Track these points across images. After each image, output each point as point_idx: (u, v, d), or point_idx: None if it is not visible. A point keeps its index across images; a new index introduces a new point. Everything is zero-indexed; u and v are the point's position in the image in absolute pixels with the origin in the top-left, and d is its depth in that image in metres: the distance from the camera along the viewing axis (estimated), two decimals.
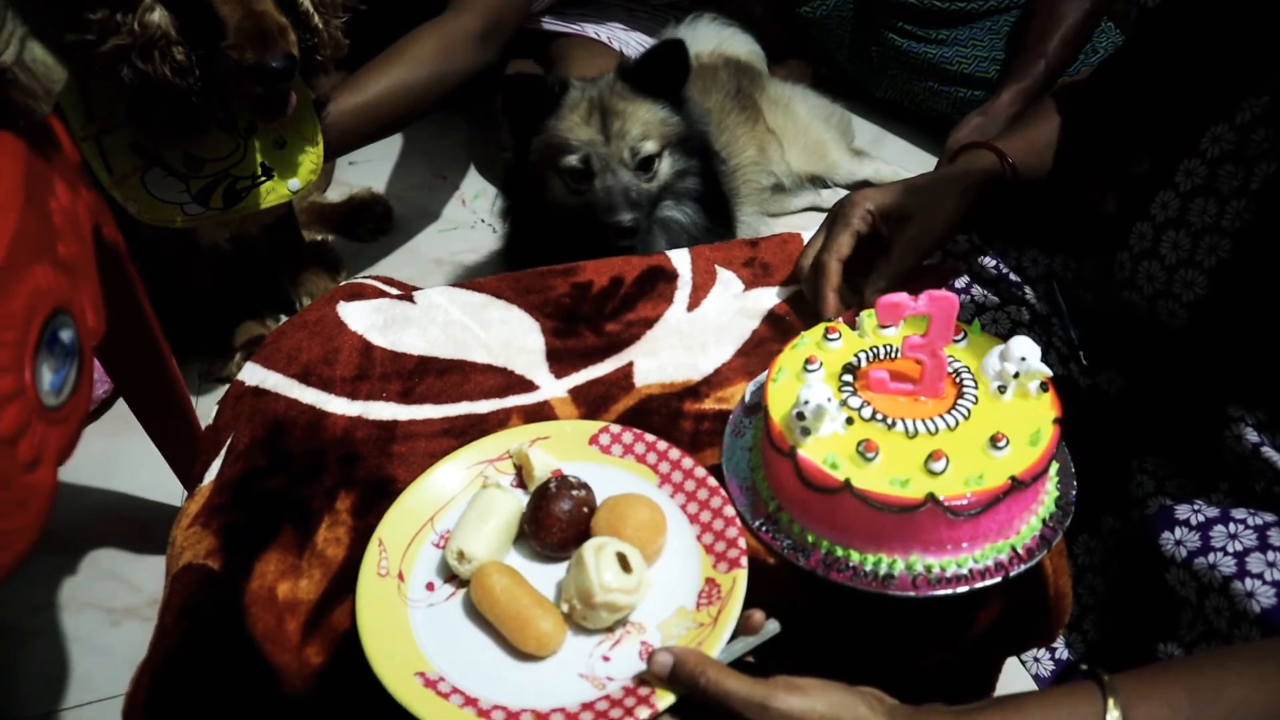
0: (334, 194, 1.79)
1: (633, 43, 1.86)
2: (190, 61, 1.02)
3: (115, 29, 0.97)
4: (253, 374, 0.89)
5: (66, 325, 0.57)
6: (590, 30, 1.86)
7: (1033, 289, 1.00)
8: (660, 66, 1.19)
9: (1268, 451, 0.76)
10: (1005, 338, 0.70)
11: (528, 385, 0.84)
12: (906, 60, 1.86)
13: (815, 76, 1.95)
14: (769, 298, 0.90)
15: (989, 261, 1.00)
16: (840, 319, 0.76)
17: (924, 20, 1.82)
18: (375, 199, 1.75)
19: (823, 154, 1.68)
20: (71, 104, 1.10)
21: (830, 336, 0.73)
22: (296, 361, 0.89)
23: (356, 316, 0.93)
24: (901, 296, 0.67)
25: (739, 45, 1.60)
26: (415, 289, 0.98)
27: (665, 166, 1.22)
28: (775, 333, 0.86)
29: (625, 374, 0.84)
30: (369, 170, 1.85)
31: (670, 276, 0.93)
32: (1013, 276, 1.01)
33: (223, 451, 0.82)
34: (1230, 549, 0.75)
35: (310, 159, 1.21)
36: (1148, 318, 0.84)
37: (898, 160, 1.80)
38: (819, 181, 1.71)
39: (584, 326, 0.89)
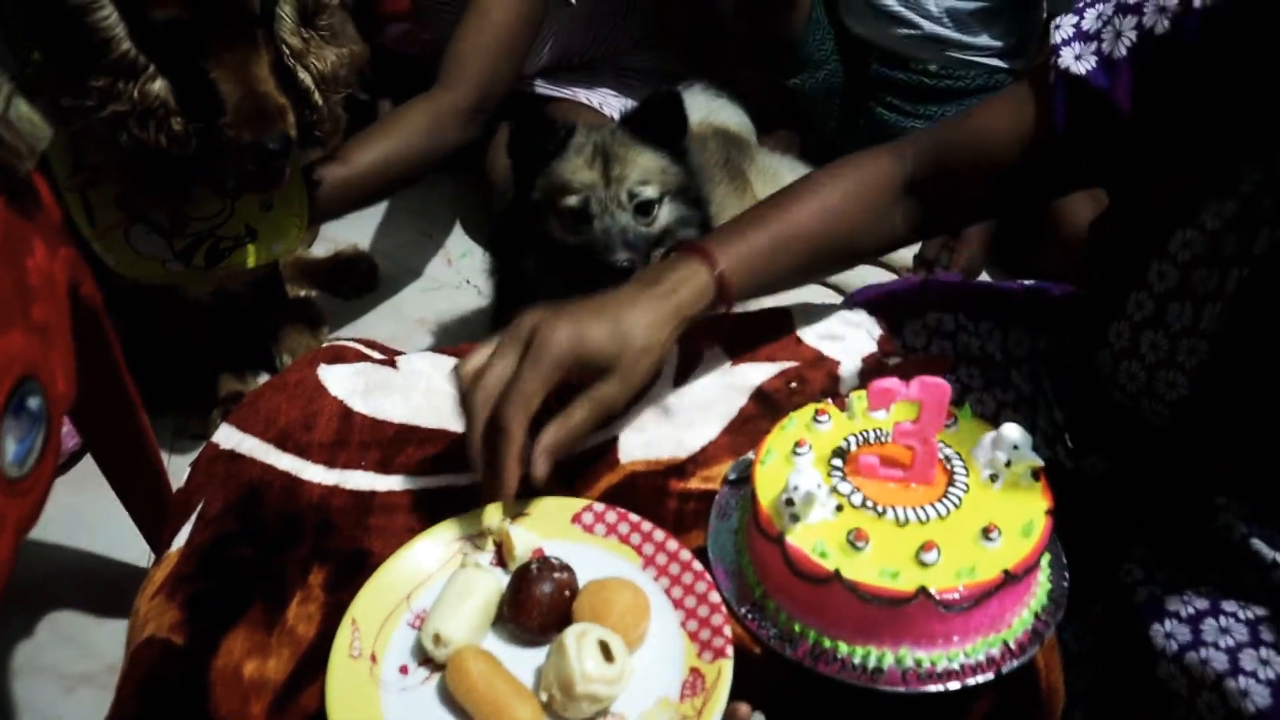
0: (319, 249, 1.78)
1: (620, 109, 1.87)
2: (187, 132, 1.02)
3: (115, 96, 0.97)
4: (228, 437, 0.87)
5: (34, 392, 0.55)
6: (582, 95, 1.88)
7: (1018, 369, 1.00)
8: (659, 117, 1.23)
9: (1257, 543, 0.75)
10: (992, 419, 0.69)
11: None
12: (894, 134, 1.87)
13: (804, 147, 1.97)
14: (756, 374, 0.89)
15: (974, 342, 1.00)
16: (831, 401, 0.75)
17: (912, 95, 1.85)
18: (360, 256, 1.75)
19: None
20: (59, 155, 1.09)
21: (819, 419, 0.72)
22: (274, 425, 0.87)
23: (337, 380, 0.92)
24: (893, 382, 0.67)
25: (729, 115, 1.62)
26: (399, 353, 0.97)
27: (666, 213, 1.25)
28: (763, 410, 0.85)
29: (610, 449, 0.82)
30: (355, 226, 1.85)
31: None
32: (998, 356, 1.00)
33: (193, 517, 0.79)
34: (1222, 644, 0.73)
35: (296, 224, 1.21)
36: (1132, 412, 0.83)
37: None
38: None
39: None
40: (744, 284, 0.83)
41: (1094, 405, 0.91)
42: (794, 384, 0.87)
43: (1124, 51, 0.76)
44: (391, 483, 0.81)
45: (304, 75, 1.08)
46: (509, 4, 1.55)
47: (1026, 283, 1.10)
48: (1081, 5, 0.81)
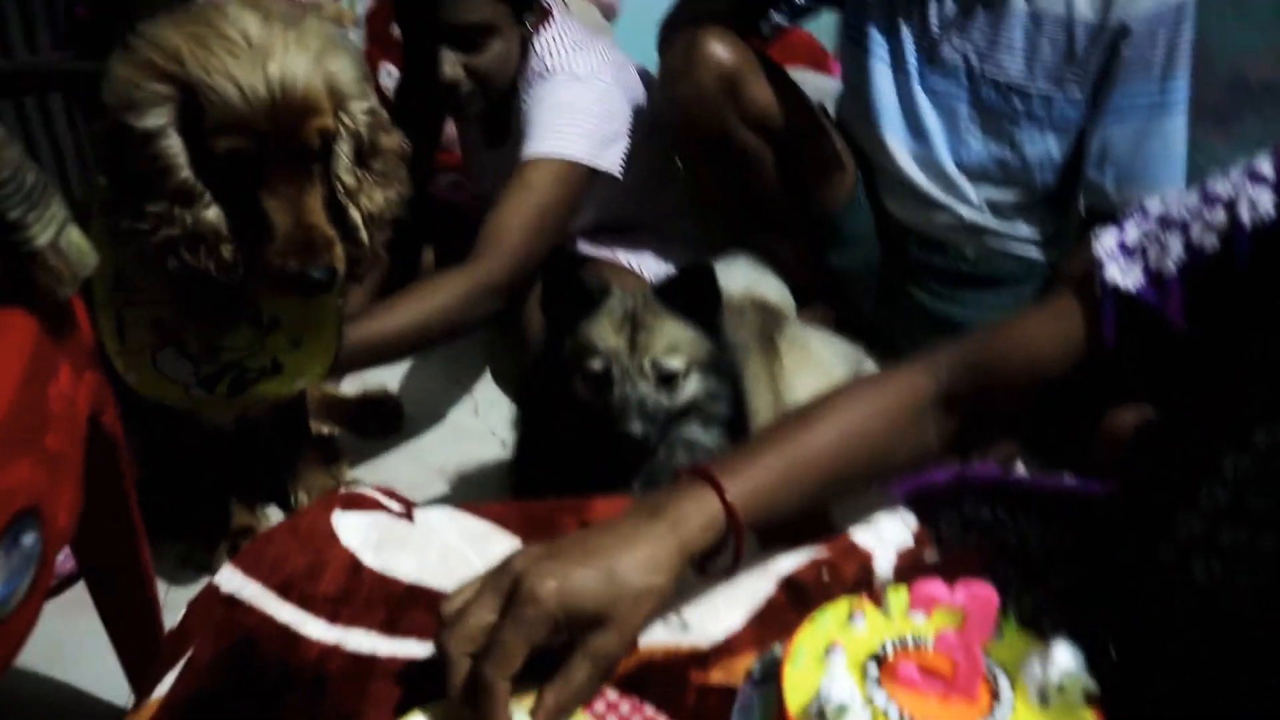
0: (348, 387, 1.77)
1: (661, 273, 1.89)
2: (236, 260, 1.03)
3: (170, 221, 0.99)
4: (230, 580, 0.83)
5: (31, 527, 0.53)
6: (622, 257, 1.90)
7: (1058, 569, 0.95)
8: (691, 288, 1.22)
9: None
10: (1033, 623, 0.64)
11: None
12: (930, 317, 1.88)
13: (838, 324, 1.97)
14: (788, 561, 0.84)
15: (1013, 537, 0.96)
16: (867, 597, 0.70)
17: (949, 280, 1.86)
18: (387, 398, 1.74)
19: None
20: (101, 271, 1.10)
21: (854, 617, 0.68)
22: (279, 571, 0.83)
23: (351, 530, 0.88)
24: (938, 587, 0.62)
25: (770, 288, 1.63)
26: (415, 505, 0.94)
27: (693, 386, 1.22)
28: (792, 600, 0.80)
29: None
30: (385, 366, 1.85)
31: None
32: (1038, 554, 0.96)
33: (180, 664, 0.75)
34: None
35: (320, 364, 1.21)
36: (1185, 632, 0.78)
37: None
38: None
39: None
40: (756, 513, 0.77)
41: (1149, 611, 0.86)
42: (826, 574, 0.83)
43: (1173, 268, 0.74)
44: (395, 647, 0.76)
45: (354, 213, 1.09)
46: (554, 181, 1.60)
47: (1068, 477, 1.07)
48: (1123, 219, 0.80)
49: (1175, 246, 0.74)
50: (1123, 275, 0.77)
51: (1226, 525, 0.73)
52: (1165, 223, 0.76)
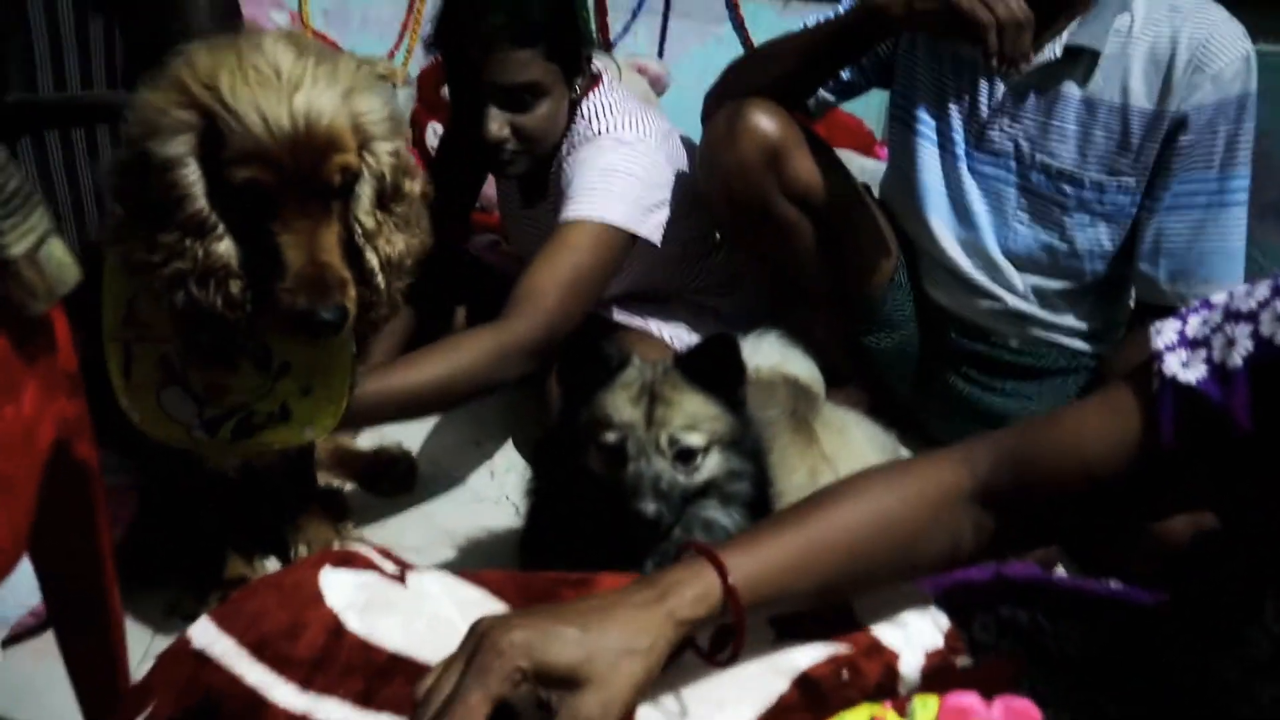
0: (364, 440, 1.73)
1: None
2: (244, 298, 1.00)
3: (181, 253, 0.97)
4: (203, 634, 0.78)
5: None
6: (654, 327, 1.86)
7: (1101, 684, 0.87)
8: (714, 361, 1.16)
9: None
10: None
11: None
12: (970, 406, 1.81)
13: (873, 406, 1.91)
14: (804, 655, 0.77)
15: (1052, 645, 0.88)
16: (889, 706, 0.63)
17: (990, 369, 1.79)
18: (402, 456, 1.69)
19: None
20: (113, 303, 1.07)
21: None
22: (256, 629, 0.78)
23: (337, 589, 0.82)
24: (972, 700, 0.56)
25: (800, 366, 1.56)
26: (411, 567, 0.88)
27: (713, 464, 1.15)
28: (806, 700, 0.73)
29: None
30: (404, 423, 1.80)
31: None
32: (1079, 665, 0.88)
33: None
34: None
35: (331, 414, 1.16)
36: None
37: None
38: None
39: None
40: (762, 592, 0.73)
41: None
42: (845, 673, 0.75)
43: (1239, 361, 0.68)
44: None
45: (371, 256, 1.06)
46: (592, 244, 1.56)
47: (1113, 583, 0.99)
48: (1184, 311, 0.74)
49: (1243, 339, 0.69)
50: (1184, 368, 0.71)
51: None
52: (1231, 315, 0.71)
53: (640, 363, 1.19)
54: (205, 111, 0.94)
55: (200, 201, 0.95)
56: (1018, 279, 1.70)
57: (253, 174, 0.94)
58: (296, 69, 0.95)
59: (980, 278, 1.72)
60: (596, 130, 1.67)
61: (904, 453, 1.76)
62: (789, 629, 0.80)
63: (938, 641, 0.80)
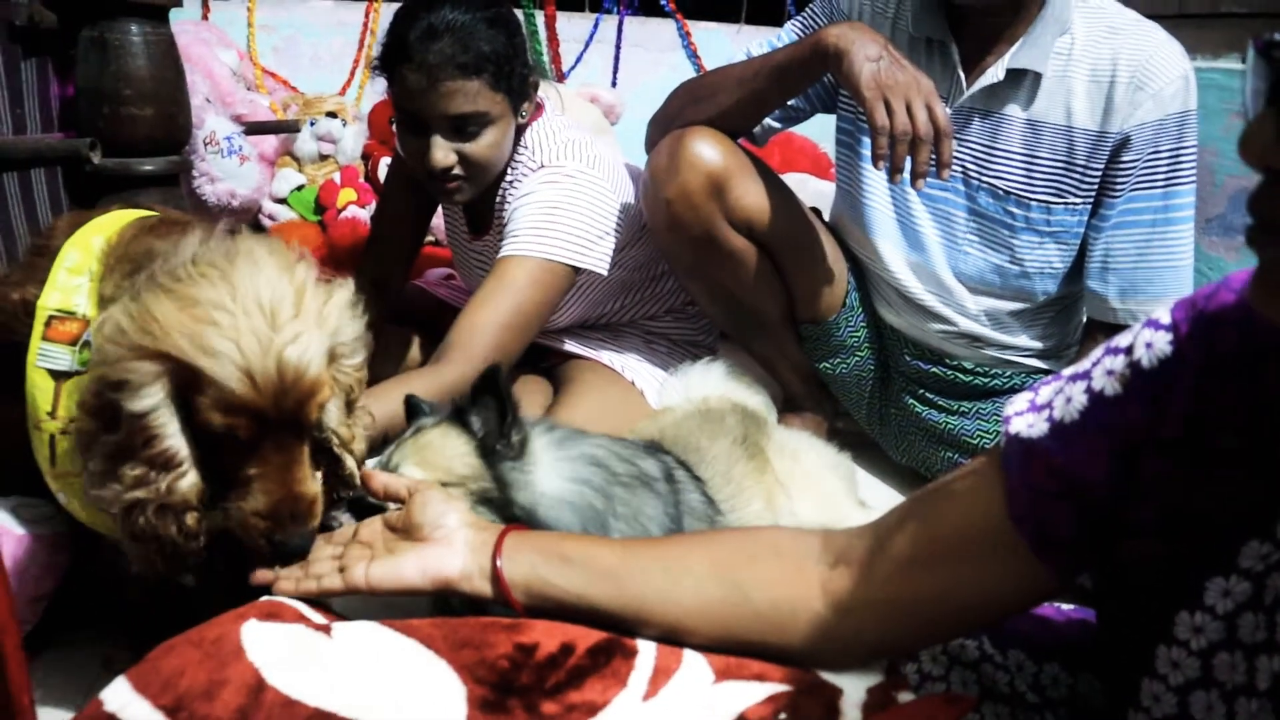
0: None
1: (645, 374, 1.83)
2: (199, 528, 0.96)
3: (145, 484, 0.92)
4: (117, 696, 0.75)
5: None
6: (606, 358, 1.84)
7: (1053, 714, 0.86)
8: (485, 396, 1.06)
9: None
10: None
11: None
12: (926, 427, 1.80)
13: (831, 432, 1.90)
14: (741, 696, 0.75)
15: (1002, 676, 0.87)
16: None
17: (946, 391, 1.79)
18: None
19: (833, 504, 1.58)
20: (45, 394, 1.04)
21: None
22: (172, 689, 0.75)
23: (260, 643, 0.79)
24: None
25: (748, 393, 1.55)
26: (338, 618, 0.85)
27: None
28: None
29: None
30: None
31: (629, 653, 0.79)
32: (1030, 696, 0.86)
33: None
34: None
35: None
36: None
37: None
38: None
39: (517, 702, 0.74)
40: (532, 591, 0.85)
41: None
42: (783, 715, 0.73)
43: (1076, 415, 0.71)
44: None
45: (349, 460, 1.04)
46: (530, 282, 1.55)
47: (1065, 607, 0.97)
48: (1037, 384, 0.78)
49: (1078, 395, 0.72)
50: (1029, 428, 0.74)
51: (1197, 694, 0.65)
52: (1071, 377, 0.74)
53: (432, 412, 1.13)
54: (179, 360, 0.87)
55: (170, 440, 0.90)
56: (970, 301, 1.70)
57: (231, 423, 0.89)
58: (275, 310, 0.89)
59: (931, 300, 1.72)
60: (539, 161, 1.66)
61: (859, 473, 1.75)
62: (729, 670, 0.78)
63: (879, 676, 0.79)
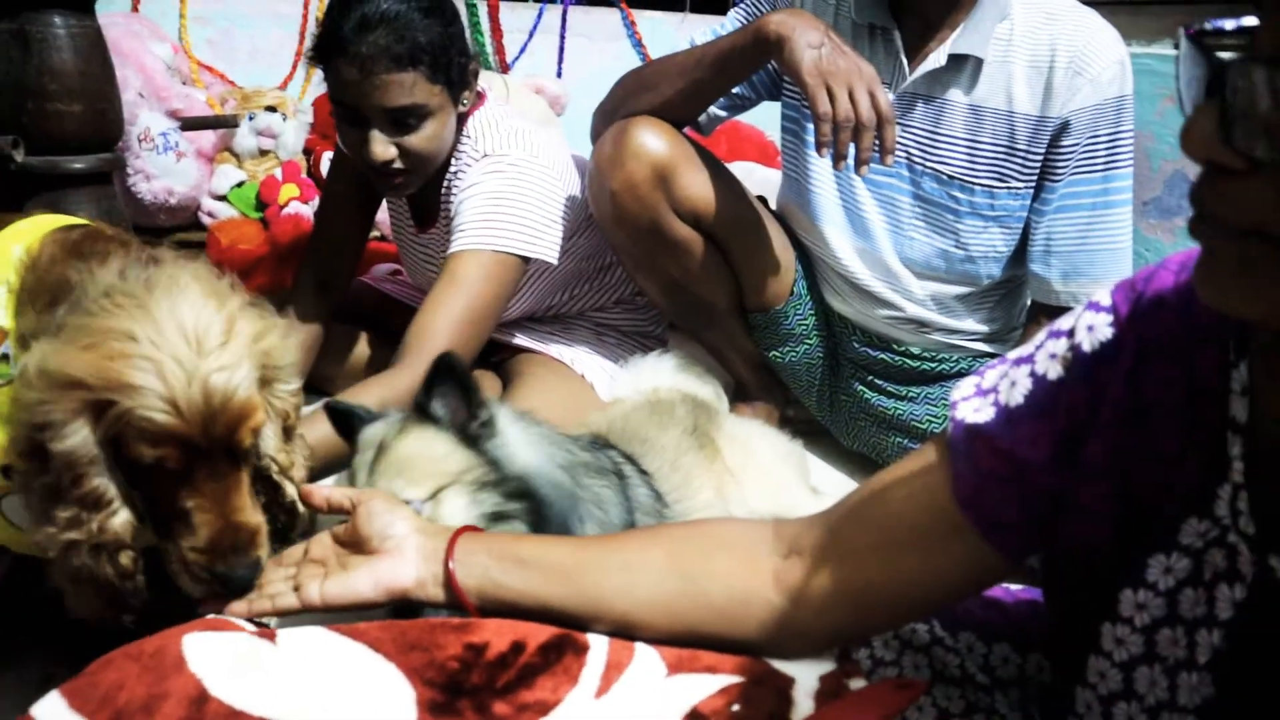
0: None
1: (595, 367, 1.82)
2: (135, 567, 0.94)
3: (77, 525, 0.90)
4: (51, 711, 0.73)
5: None
6: (555, 351, 1.83)
7: (1004, 694, 0.87)
8: (451, 390, 1.05)
9: None
10: None
11: None
12: (875, 413, 1.81)
13: (782, 420, 1.90)
14: (693, 689, 0.75)
15: (952, 659, 0.87)
16: None
17: (895, 376, 1.80)
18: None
19: (784, 492, 1.59)
20: None
21: None
22: (110, 704, 0.72)
23: (202, 654, 0.77)
24: None
25: (698, 383, 1.55)
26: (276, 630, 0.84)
27: (456, 509, 1.03)
28: None
29: None
30: None
31: (580, 649, 0.78)
32: (980, 677, 0.87)
33: None
34: None
35: None
36: None
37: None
38: None
39: (467, 703, 0.73)
40: (486, 595, 0.85)
41: None
42: (736, 706, 0.73)
43: (1020, 399, 0.71)
44: None
45: (289, 487, 1.02)
46: (482, 276, 1.54)
47: (1014, 588, 0.99)
48: (983, 367, 0.78)
49: (1022, 379, 0.72)
50: (974, 413, 0.74)
51: (1141, 669, 0.66)
52: (1015, 360, 0.74)
53: (391, 415, 1.10)
54: (102, 396, 0.85)
55: (97, 479, 0.88)
56: (916, 286, 1.71)
57: (161, 454, 0.87)
58: (206, 337, 0.87)
59: (878, 286, 1.73)
60: (483, 150, 1.64)
61: (809, 460, 1.75)
62: (681, 663, 0.78)
63: (830, 664, 0.79)
